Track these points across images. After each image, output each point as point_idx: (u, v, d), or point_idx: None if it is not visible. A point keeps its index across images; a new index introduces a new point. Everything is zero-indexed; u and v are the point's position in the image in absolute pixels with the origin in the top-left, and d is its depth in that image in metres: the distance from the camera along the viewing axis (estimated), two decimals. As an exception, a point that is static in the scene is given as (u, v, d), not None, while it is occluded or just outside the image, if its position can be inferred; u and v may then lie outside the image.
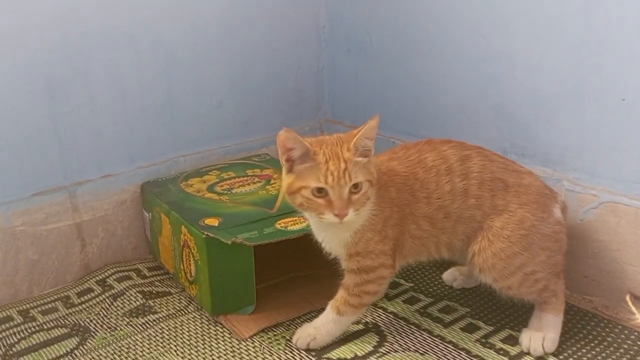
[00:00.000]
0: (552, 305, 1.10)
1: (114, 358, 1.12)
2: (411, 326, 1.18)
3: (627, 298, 0.74)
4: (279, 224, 1.20)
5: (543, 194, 1.09)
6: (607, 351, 1.09)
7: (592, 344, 1.11)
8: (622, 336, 1.13)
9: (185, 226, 1.21)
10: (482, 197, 1.06)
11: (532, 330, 1.11)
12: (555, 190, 1.14)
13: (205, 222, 1.20)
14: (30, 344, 1.17)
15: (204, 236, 1.15)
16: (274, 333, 1.17)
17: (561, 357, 1.08)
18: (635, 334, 1.13)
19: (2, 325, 1.23)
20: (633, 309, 0.72)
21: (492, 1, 1.27)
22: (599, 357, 1.07)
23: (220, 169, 1.48)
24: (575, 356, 1.08)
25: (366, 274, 1.07)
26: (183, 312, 1.25)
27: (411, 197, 1.05)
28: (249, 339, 1.15)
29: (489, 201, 1.06)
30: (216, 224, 1.19)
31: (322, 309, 1.23)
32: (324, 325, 1.12)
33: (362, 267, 1.07)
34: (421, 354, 1.10)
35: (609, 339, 1.12)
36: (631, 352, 1.08)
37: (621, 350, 1.09)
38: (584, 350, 1.09)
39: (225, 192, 1.35)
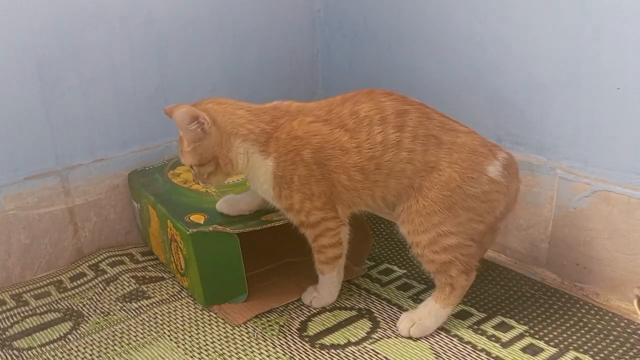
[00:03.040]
0: (444, 295, 1.10)
1: (108, 343, 1.12)
2: (404, 312, 1.19)
3: (635, 303, 0.74)
4: (265, 217, 1.19)
5: (476, 152, 1.07)
6: (597, 338, 1.10)
7: (583, 331, 1.12)
8: (612, 323, 1.14)
9: (171, 221, 1.20)
10: (414, 151, 1.06)
11: (412, 312, 1.14)
12: (502, 149, 1.12)
13: (191, 218, 1.19)
14: (24, 328, 1.17)
15: (188, 233, 1.14)
16: (267, 319, 1.18)
17: (552, 344, 1.09)
18: (625, 321, 1.14)
19: (-5, 310, 1.23)
20: (639, 311, 0.72)
21: (488, -13, 1.27)
22: (589, 344, 1.09)
23: None
24: (565, 343, 1.09)
25: (312, 228, 1.13)
26: (176, 298, 1.26)
27: (336, 151, 1.08)
28: (242, 325, 1.16)
29: (420, 156, 1.06)
30: (202, 222, 1.18)
31: (316, 295, 1.25)
32: (321, 285, 1.20)
33: (303, 222, 1.13)
34: (414, 340, 1.11)
35: (599, 326, 1.14)
36: (621, 339, 1.09)
37: (611, 337, 1.10)
38: (574, 337, 1.10)
39: None
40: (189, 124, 1.07)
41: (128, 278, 1.32)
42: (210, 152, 1.09)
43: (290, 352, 1.08)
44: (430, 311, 1.12)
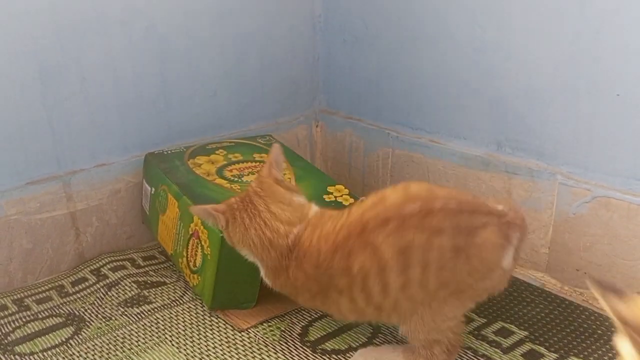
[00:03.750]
0: None
1: (109, 348, 1.12)
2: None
3: (589, 284, 0.73)
4: None
5: (495, 246, 0.94)
6: (598, 343, 1.11)
7: (583, 337, 1.13)
8: (613, 329, 1.14)
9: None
10: (426, 279, 0.92)
11: (371, 350, 1.08)
12: (515, 220, 0.96)
13: None
14: (25, 333, 1.17)
15: (221, 235, 1.13)
16: (269, 324, 1.18)
17: (552, 349, 1.09)
18: (625, 327, 1.15)
19: (-3, 315, 1.23)
20: (595, 293, 0.72)
21: (488, -7, 1.28)
22: (590, 349, 1.09)
23: (226, 147, 1.46)
24: (566, 348, 1.09)
25: None
26: (178, 302, 1.26)
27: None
28: (243, 330, 1.16)
29: (434, 279, 0.93)
30: None
31: (317, 301, 1.25)
32: None
33: None
34: (414, 345, 1.11)
35: (600, 331, 1.14)
36: (621, 345, 1.10)
37: (611, 343, 1.11)
38: (575, 343, 1.11)
39: (236, 179, 1.32)
40: (207, 219, 1.07)
41: (130, 283, 1.32)
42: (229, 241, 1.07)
43: (292, 358, 1.09)
44: None
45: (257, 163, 1.41)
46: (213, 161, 1.40)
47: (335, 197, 1.27)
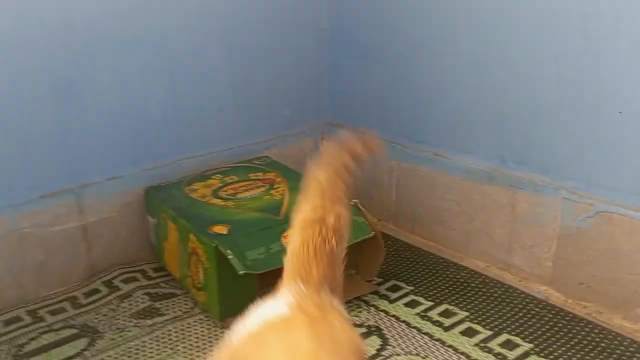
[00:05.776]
0: None
1: (124, 359, 1.15)
2: (412, 329, 1.22)
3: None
4: (285, 237, 1.20)
5: None
6: (601, 357, 1.13)
7: (586, 350, 1.15)
8: (616, 342, 1.17)
9: (195, 235, 1.23)
10: None
11: None
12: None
13: (214, 229, 1.22)
14: (40, 345, 1.19)
15: (214, 245, 1.17)
16: (279, 336, 1.20)
17: (557, 361, 1.12)
18: (628, 340, 1.17)
19: (12, 326, 1.24)
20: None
21: (492, 8, 1.30)
22: (593, 362, 1.12)
23: (222, 172, 1.50)
24: (570, 361, 1.12)
25: None
26: (189, 314, 1.28)
27: None
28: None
29: None
30: (225, 232, 1.21)
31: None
32: None
33: None
34: (422, 357, 1.14)
35: (603, 344, 1.17)
36: (623, 358, 1.12)
37: (614, 356, 1.13)
38: (578, 356, 1.13)
39: (230, 197, 1.37)
40: None
41: (141, 295, 1.34)
42: None
43: (303, 370, 1.11)
44: None
45: (252, 181, 1.45)
46: (209, 185, 1.44)
47: None
